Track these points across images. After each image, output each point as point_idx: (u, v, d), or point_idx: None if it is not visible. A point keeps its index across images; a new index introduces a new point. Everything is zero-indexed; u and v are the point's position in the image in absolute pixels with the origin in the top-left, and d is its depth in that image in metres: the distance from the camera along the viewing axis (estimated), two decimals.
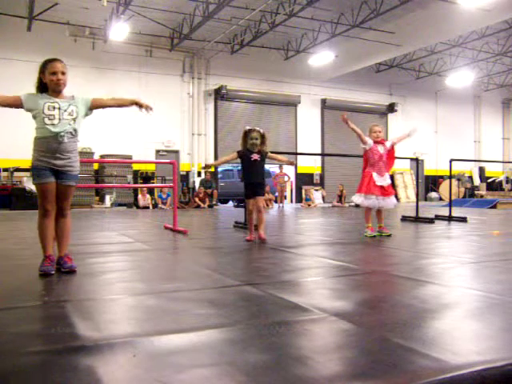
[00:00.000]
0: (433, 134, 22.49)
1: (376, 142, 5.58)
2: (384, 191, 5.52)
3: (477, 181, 22.44)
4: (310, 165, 19.57)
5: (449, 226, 7.10)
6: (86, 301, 2.44)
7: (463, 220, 7.88)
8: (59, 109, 3.09)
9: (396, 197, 6.27)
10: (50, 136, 3.05)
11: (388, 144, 5.67)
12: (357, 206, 6.22)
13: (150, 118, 15.30)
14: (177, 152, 17.41)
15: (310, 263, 3.73)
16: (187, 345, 1.73)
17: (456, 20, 13.78)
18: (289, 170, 17.10)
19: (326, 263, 3.67)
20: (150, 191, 15.16)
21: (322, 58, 16.99)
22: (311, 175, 19.70)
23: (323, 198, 18.72)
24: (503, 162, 24.12)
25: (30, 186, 12.35)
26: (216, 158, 17.57)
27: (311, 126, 19.84)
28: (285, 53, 18.34)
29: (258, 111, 18.71)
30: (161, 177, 16.31)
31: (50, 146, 3.06)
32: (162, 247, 4.82)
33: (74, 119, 3.13)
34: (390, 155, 5.73)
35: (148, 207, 14.54)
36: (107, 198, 15.13)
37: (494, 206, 13.68)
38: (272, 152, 5.46)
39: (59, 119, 3.07)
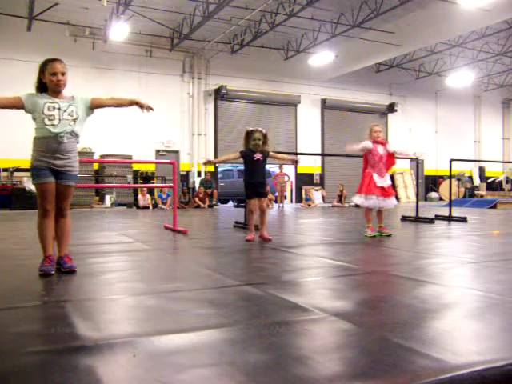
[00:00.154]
0: (433, 134, 22.50)
1: (376, 142, 5.58)
2: (384, 192, 5.52)
3: (477, 181, 22.44)
4: (310, 165, 19.56)
5: (449, 226, 7.10)
6: (85, 301, 2.43)
7: (463, 220, 7.88)
8: (59, 109, 3.08)
9: (396, 197, 6.28)
10: (49, 136, 3.04)
11: (389, 148, 5.66)
12: (357, 206, 6.21)
13: (150, 117, 15.35)
14: (177, 152, 17.41)
15: (310, 263, 3.73)
16: (187, 345, 1.73)
17: (456, 20, 13.78)
18: (289, 170, 17.10)
19: (326, 263, 3.67)
20: (150, 191, 15.16)
21: (321, 57, 16.99)
22: (311, 175, 19.70)
23: (323, 198, 18.72)
24: (503, 162, 24.11)
25: (29, 186, 12.34)
26: (216, 157, 17.57)
27: (311, 126, 19.84)
28: (285, 53, 18.34)
29: (257, 111, 18.71)
30: (161, 177, 16.31)
31: (49, 146, 3.06)
32: (162, 247, 4.82)
33: (74, 120, 3.13)
34: (390, 155, 5.73)
35: (148, 207, 14.54)
36: (107, 197, 15.13)
37: (494, 206, 13.68)
38: (273, 152, 5.49)
39: (59, 120, 3.07)
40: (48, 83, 3.10)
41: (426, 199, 20.86)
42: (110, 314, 2.24)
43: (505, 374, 1.46)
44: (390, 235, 5.51)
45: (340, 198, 16.22)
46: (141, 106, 3.35)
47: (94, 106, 3.25)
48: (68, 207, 3.26)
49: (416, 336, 1.78)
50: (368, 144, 5.55)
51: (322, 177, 19.94)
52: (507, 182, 21.63)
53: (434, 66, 20.46)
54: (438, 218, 8.14)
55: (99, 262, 3.79)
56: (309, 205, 15.71)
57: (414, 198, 18.38)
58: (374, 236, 5.43)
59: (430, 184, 21.87)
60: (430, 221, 7.56)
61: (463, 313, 2.18)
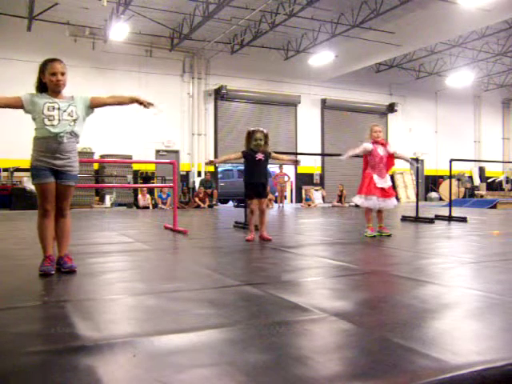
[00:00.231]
0: (433, 134, 22.49)
1: (376, 143, 5.58)
2: (385, 193, 5.52)
3: (477, 181, 22.44)
4: (310, 165, 19.56)
5: (449, 226, 7.10)
6: (85, 301, 2.43)
7: (463, 220, 7.88)
8: (59, 109, 3.08)
9: (396, 197, 6.28)
10: (49, 136, 3.04)
11: (390, 149, 5.66)
12: (357, 206, 6.22)
13: (150, 117, 15.35)
14: (177, 152, 17.41)
15: (310, 263, 3.73)
16: (187, 345, 1.73)
17: (456, 20, 13.78)
18: (289, 170, 17.10)
19: (326, 263, 3.67)
20: (150, 191, 15.16)
21: (321, 58, 16.99)
22: (311, 175, 19.70)
23: (323, 198, 18.71)
24: (503, 162, 24.10)
25: (29, 186, 12.34)
26: (216, 157, 17.56)
27: (311, 125, 19.84)
28: (285, 53, 18.34)
29: (257, 111, 18.71)
30: (161, 177, 16.31)
31: (49, 146, 3.06)
32: (162, 247, 4.82)
33: (74, 120, 3.12)
34: (390, 156, 5.73)
35: (148, 207, 14.55)
36: (107, 197, 15.13)
37: (494, 206, 13.68)
38: (274, 152, 5.50)
39: (59, 120, 3.07)
40: (48, 83, 3.10)
41: (426, 199, 20.86)
42: (110, 314, 2.24)
43: (505, 374, 1.46)
44: (390, 235, 5.51)
45: (340, 198, 16.21)
46: (141, 103, 3.35)
47: (93, 105, 3.24)
48: (68, 207, 3.26)
49: (416, 336, 1.78)
50: (368, 146, 5.54)
51: (321, 177, 19.94)
52: (507, 182, 21.63)
53: (434, 66, 20.46)
54: (438, 218, 8.14)
55: (99, 261, 3.79)
56: (309, 205, 15.70)
57: (414, 198, 18.37)
58: (374, 236, 5.43)
59: (430, 184, 21.87)
60: (430, 221, 7.56)
61: (463, 313, 2.18)
